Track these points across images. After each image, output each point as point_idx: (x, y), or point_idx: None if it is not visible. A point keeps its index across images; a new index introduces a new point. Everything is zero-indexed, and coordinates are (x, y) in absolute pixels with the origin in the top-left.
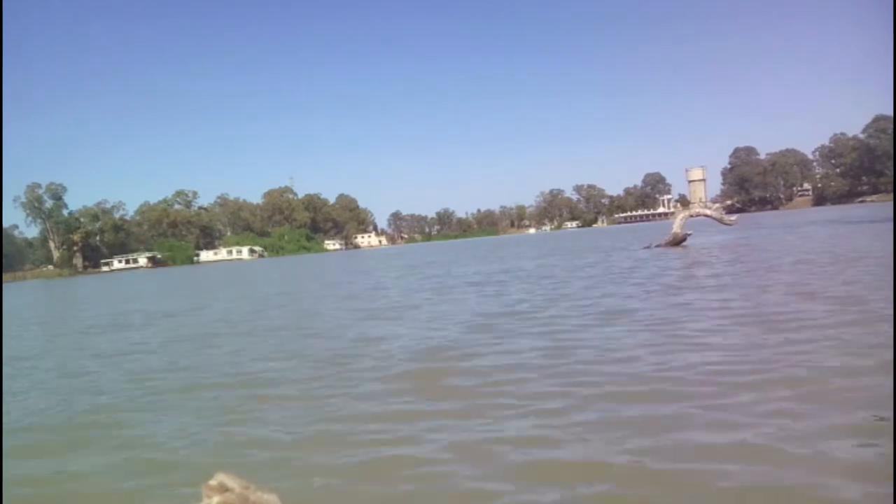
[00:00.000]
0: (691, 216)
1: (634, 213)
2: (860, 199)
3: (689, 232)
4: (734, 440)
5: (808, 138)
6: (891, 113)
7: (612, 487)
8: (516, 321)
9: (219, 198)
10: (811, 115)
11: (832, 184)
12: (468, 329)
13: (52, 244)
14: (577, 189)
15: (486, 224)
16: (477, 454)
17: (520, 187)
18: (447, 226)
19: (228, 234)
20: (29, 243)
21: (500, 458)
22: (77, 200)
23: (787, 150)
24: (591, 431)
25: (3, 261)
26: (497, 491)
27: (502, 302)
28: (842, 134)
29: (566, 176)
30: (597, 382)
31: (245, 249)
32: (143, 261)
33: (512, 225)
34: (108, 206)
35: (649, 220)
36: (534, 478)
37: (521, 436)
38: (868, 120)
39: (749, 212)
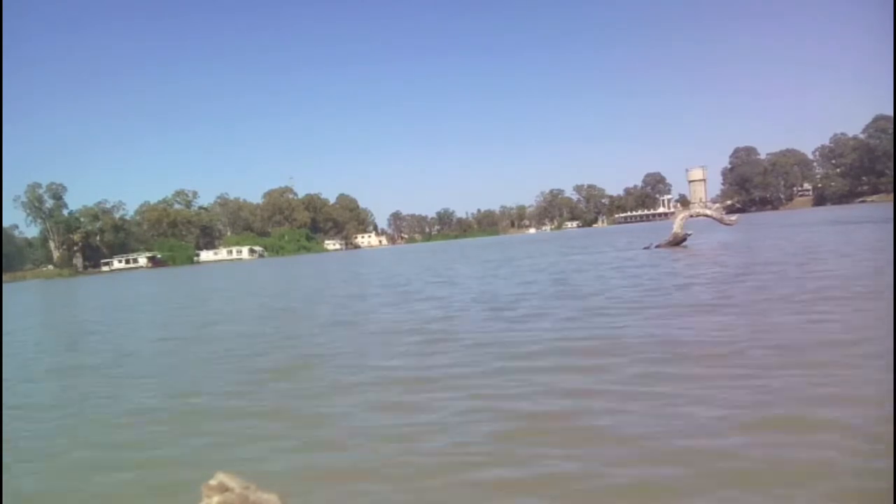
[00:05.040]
0: (691, 216)
1: (634, 213)
2: (860, 200)
3: (689, 232)
4: None
5: (808, 138)
6: (891, 113)
7: None
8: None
9: (219, 198)
10: (811, 115)
11: (832, 184)
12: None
13: (52, 244)
14: (577, 189)
15: (487, 224)
16: None
17: (520, 187)
18: (447, 226)
19: (228, 234)
20: (29, 243)
21: None
22: (77, 200)
23: (788, 150)
24: None
25: (3, 261)
26: None
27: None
28: (842, 134)
29: (566, 176)
30: None
31: (245, 249)
32: (143, 261)
33: (512, 225)
34: (108, 206)
35: (649, 220)
36: None
37: None
38: (868, 120)
39: (749, 212)
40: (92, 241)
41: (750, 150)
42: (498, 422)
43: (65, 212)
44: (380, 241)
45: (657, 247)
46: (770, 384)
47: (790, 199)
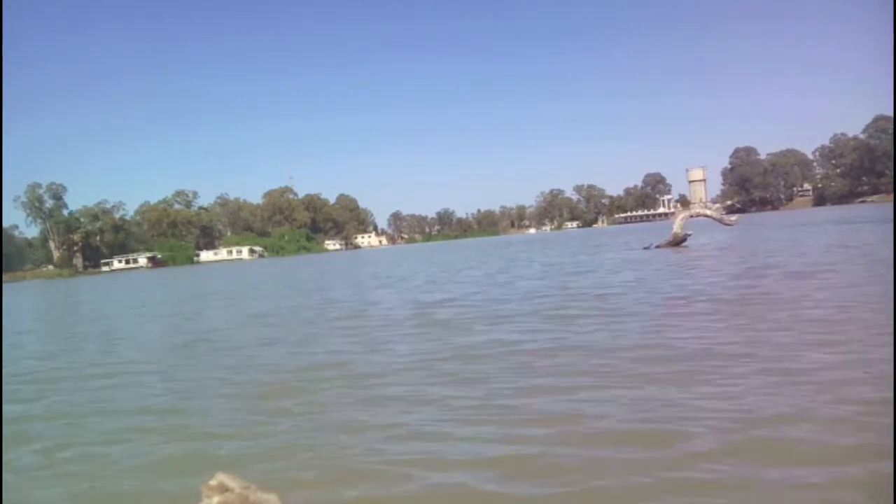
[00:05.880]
0: (691, 216)
1: (634, 213)
2: (860, 200)
3: (689, 232)
4: None
5: (809, 138)
6: (891, 113)
7: None
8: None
9: (219, 198)
10: (811, 115)
11: (832, 184)
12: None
13: (52, 244)
14: (577, 189)
15: (487, 224)
16: None
17: (520, 187)
18: (447, 226)
19: (228, 234)
20: (29, 243)
21: None
22: (77, 200)
23: (788, 151)
24: None
25: (3, 261)
26: None
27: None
28: (842, 134)
29: (566, 176)
30: None
31: (245, 249)
32: (143, 261)
33: (512, 225)
34: (108, 206)
35: (649, 221)
36: None
37: None
38: (868, 120)
39: (749, 212)
40: (92, 241)
41: (750, 151)
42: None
43: (65, 212)
44: (380, 242)
45: (657, 247)
46: None
47: (790, 199)
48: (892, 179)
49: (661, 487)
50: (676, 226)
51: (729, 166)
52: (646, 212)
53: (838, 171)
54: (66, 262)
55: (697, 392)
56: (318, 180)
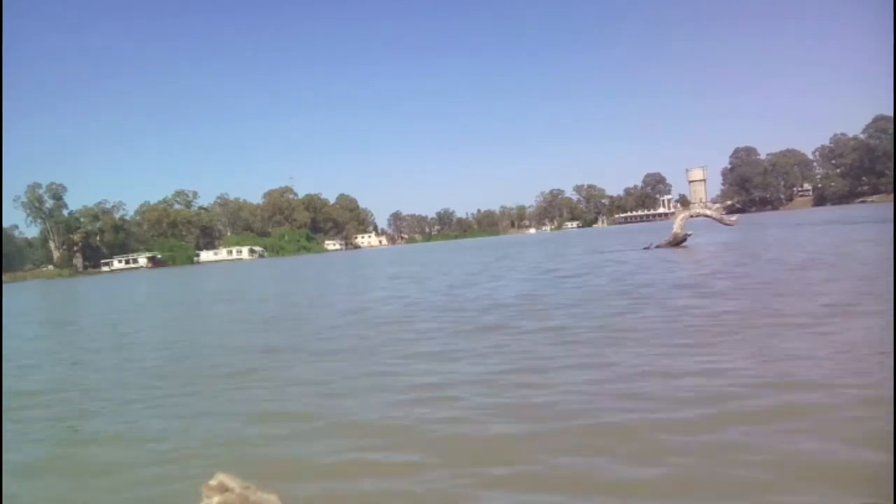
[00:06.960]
0: (691, 217)
1: (634, 213)
2: (860, 200)
3: (689, 232)
4: None
5: (809, 138)
6: (891, 113)
7: None
8: None
9: (219, 198)
10: (811, 115)
11: (832, 184)
12: None
13: (52, 244)
14: (577, 189)
15: (487, 224)
16: None
17: (520, 187)
18: (447, 226)
19: (228, 234)
20: (29, 243)
21: None
22: (77, 200)
23: (788, 151)
24: None
25: (4, 261)
26: None
27: None
28: (842, 134)
29: (566, 176)
30: None
31: (245, 250)
32: (143, 261)
33: (512, 225)
34: (108, 206)
35: (649, 221)
36: None
37: None
38: (868, 120)
39: (749, 212)
40: (92, 241)
41: (750, 151)
42: None
43: (65, 212)
44: (380, 242)
45: (657, 247)
46: None
47: (790, 199)
48: (892, 179)
49: None
50: (676, 226)
51: (729, 166)
52: (646, 212)
53: (838, 171)
54: (66, 262)
55: None
56: (318, 180)
